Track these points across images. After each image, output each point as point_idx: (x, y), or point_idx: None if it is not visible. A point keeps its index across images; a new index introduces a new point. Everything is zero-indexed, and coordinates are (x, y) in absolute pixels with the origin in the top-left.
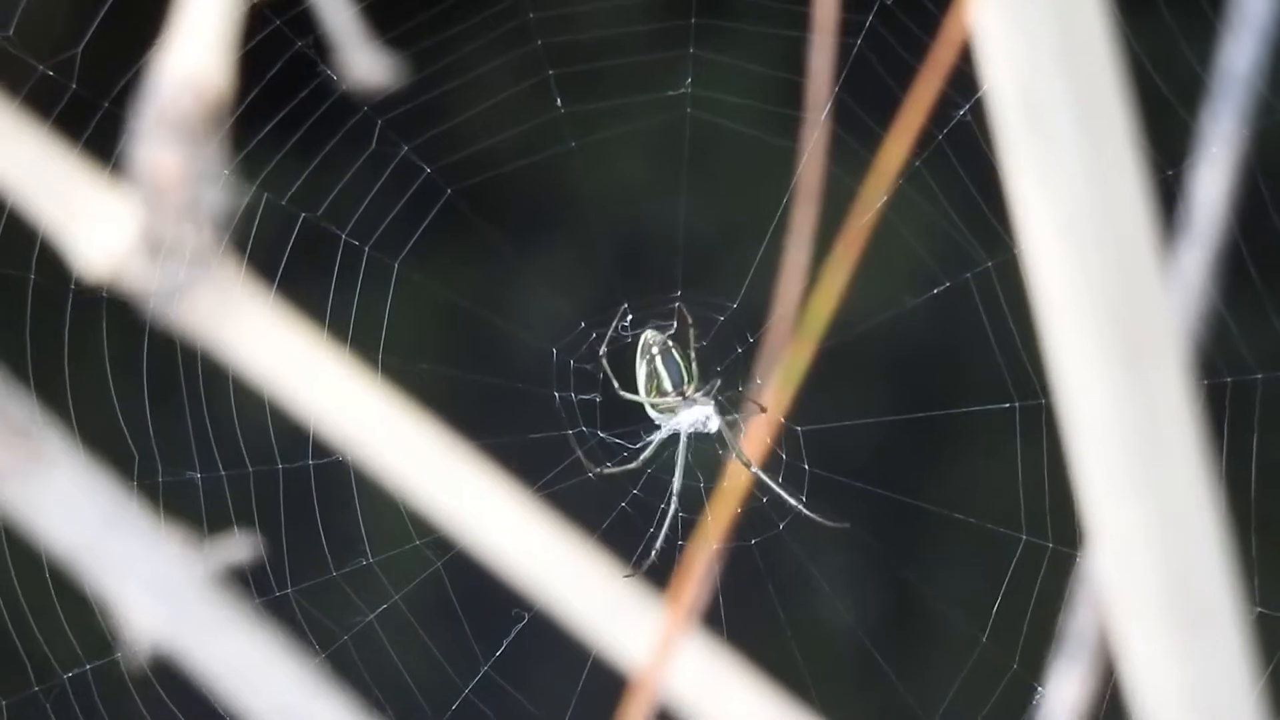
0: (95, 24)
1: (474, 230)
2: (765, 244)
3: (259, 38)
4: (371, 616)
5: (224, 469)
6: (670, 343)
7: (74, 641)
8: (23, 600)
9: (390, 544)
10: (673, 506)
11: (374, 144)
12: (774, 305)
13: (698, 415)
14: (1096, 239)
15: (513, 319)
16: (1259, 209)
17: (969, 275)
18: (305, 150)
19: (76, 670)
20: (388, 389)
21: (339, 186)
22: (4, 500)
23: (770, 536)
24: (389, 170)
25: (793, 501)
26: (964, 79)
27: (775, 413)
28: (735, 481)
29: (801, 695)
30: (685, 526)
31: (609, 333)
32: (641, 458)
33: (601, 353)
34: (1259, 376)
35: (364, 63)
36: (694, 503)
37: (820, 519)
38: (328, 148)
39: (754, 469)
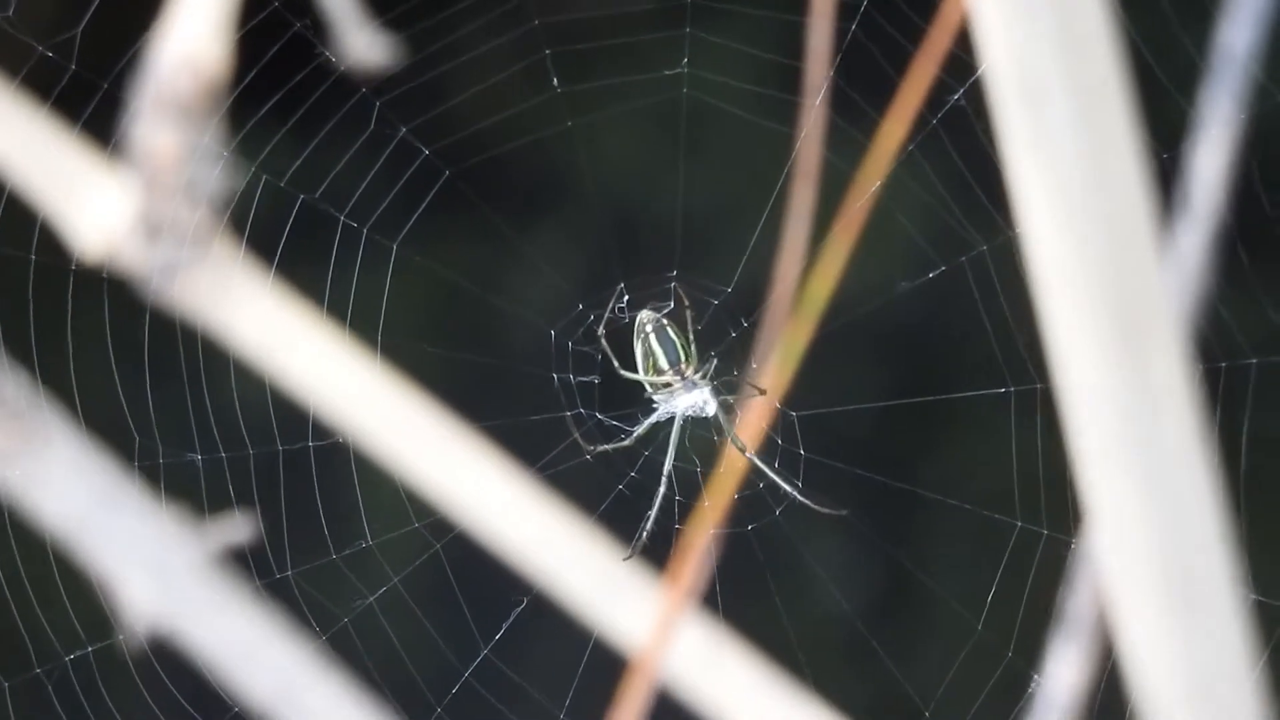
0: (94, 5)
1: (472, 211)
2: (761, 225)
3: (257, 19)
4: (372, 599)
5: (224, 450)
6: (665, 321)
7: (76, 623)
8: (25, 581)
9: (390, 526)
10: (662, 488)
11: (372, 125)
12: (771, 287)
13: (695, 399)
14: (1093, 221)
15: (511, 300)
16: (1256, 191)
17: (964, 259)
18: (303, 132)
19: (78, 652)
20: (386, 370)
21: (337, 168)
22: (2, 481)
23: (767, 521)
24: (387, 152)
25: (788, 488)
26: (960, 62)
27: (772, 397)
28: (732, 466)
29: (797, 680)
30: (682, 510)
31: (605, 313)
32: (634, 435)
33: (600, 333)
34: (1253, 361)
35: (361, 44)
36: (692, 487)
37: (816, 505)
38: (326, 129)
39: (749, 455)
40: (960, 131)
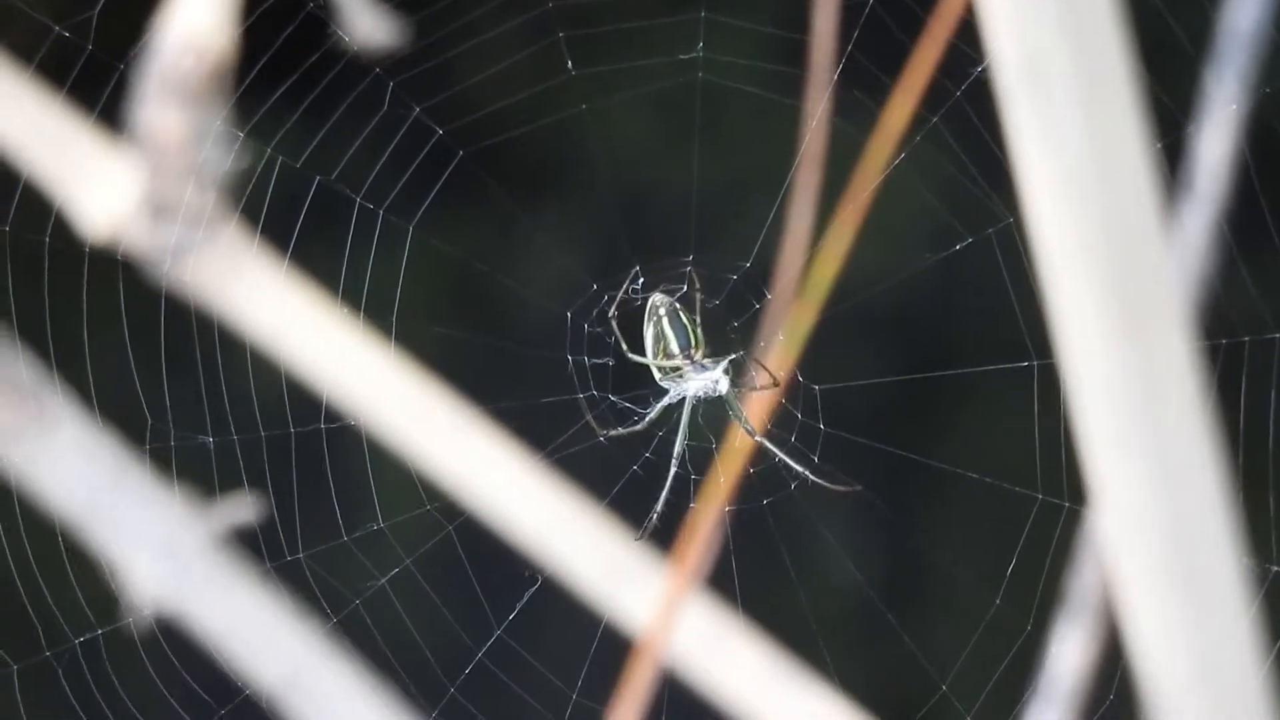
0: None
1: (486, 193)
2: (777, 206)
3: (269, 1)
4: (383, 580)
5: (235, 433)
6: (678, 306)
7: (85, 606)
8: (34, 564)
9: (401, 508)
10: (673, 469)
11: (386, 106)
12: (780, 268)
13: (706, 381)
14: (1098, 201)
15: (525, 282)
16: (1262, 172)
17: (991, 231)
18: (317, 113)
19: (88, 635)
20: (399, 352)
21: (352, 149)
22: (11, 462)
23: (782, 497)
24: (401, 132)
25: (799, 468)
26: (966, 48)
27: (791, 371)
28: (745, 443)
29: (813, 655)
30: (694, 488)
31: (619, 295)
32: (647, 419)
33: (611, 314)
34: (1278, 335)
35: (373, 24)
36: (704, 465)
37: (828, 483)
38: (340, 110)
39: (758, 438)
40: (974, 107)
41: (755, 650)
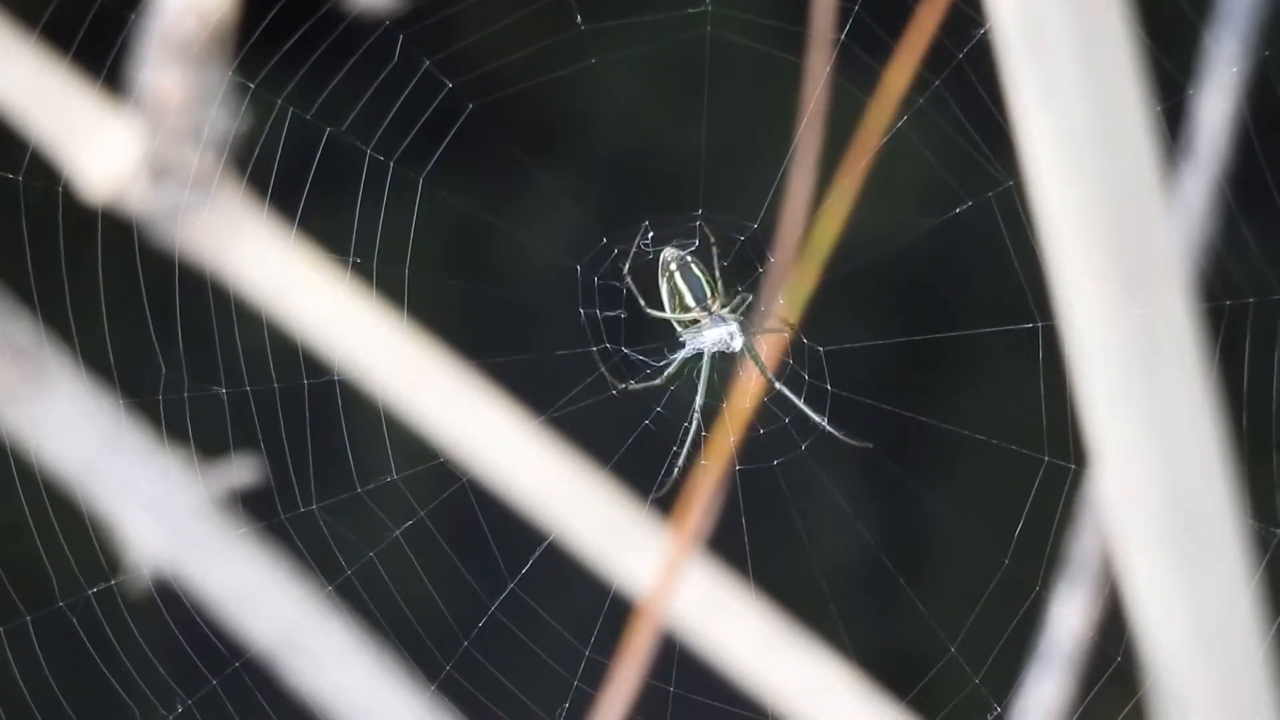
0: None
1: (494, 146)
2: (786, 163)
3: None
4: (398, 532)
5: (250, 384)
6: (690, 258)
7: (74, 567)
8: (30, 523)
9: (414, 461)
10: (694, 424)
11: (396, 59)
12: (781, 230)
13: (722, 333)
14: (1098, 164)
15: (534, 234)
16: (1263, 133)
17: (978, 200)
18: (327, 66)
19: (102, 585)
20: (409, 305)
21: (361, 102)
22: (7, 422)
23: (792, 457)
24: (411, 85)
25: (816, 418)
26: (969, 10)
27: (797, 332)
28: (753, 400)
29: (822, 614)
30: (701, 444)
31: (631, 249)
32: (665, 374)
33: (626, 271)
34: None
35: None
36: (710, 422)
37: (843, 436)
38: (350, 63)
39: (779, 385)
40: (970, 75)
41: (759, 612)
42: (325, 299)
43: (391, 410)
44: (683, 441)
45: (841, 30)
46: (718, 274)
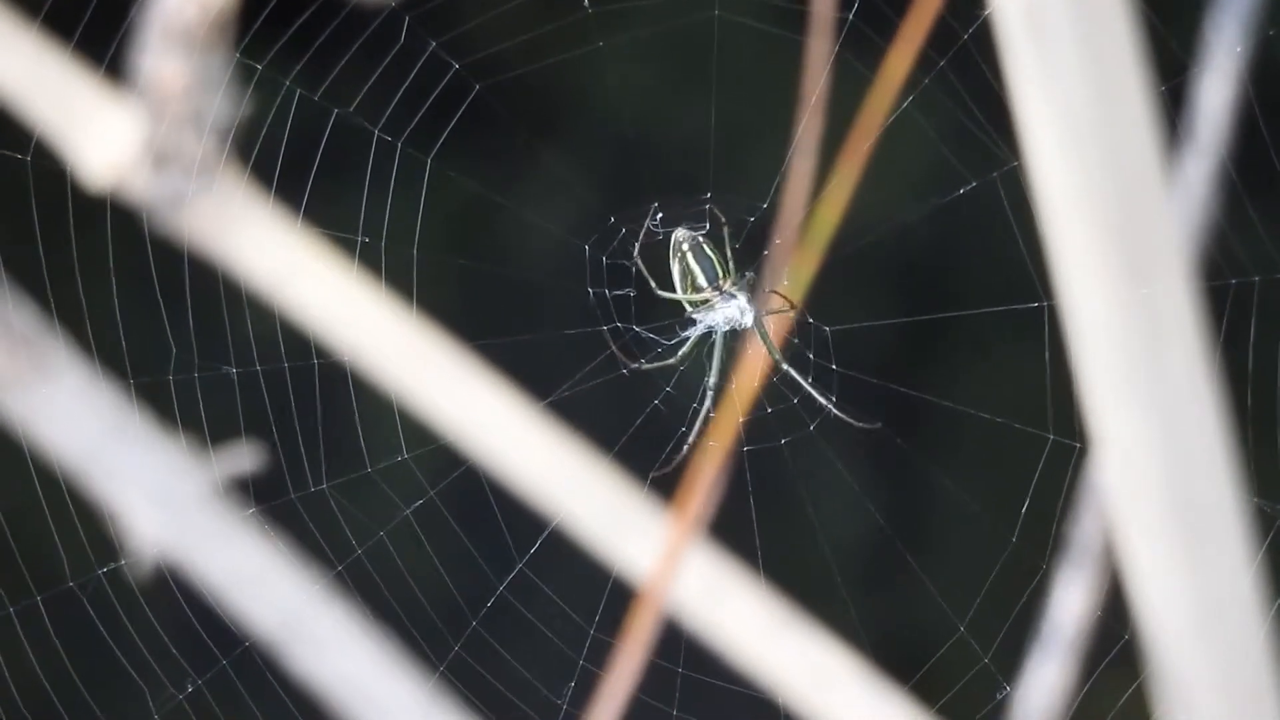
0: None
1: (503, 127)
2: (793, 145)
3: None
4: (408, 511)
5: (260, 364)
6: (702, 239)
7: (82, 550)
8: (66, 493)
9: (424, 440)
10: (708, 405)
11: (403, 40)
12: (785, 212)
13: (733, 310)
14: (1100, 146)
15: (542, 214)
16: (1267, 112)
17: (981, 181)
18: (334, 47)
19: (112, 565)
20: (419, 286)
21: (369, 83)
22: (10, 409)
23: (799, 437)
24: (418, 66)
25: (823, 400)
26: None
27: (804, 312)
28: (761, 379)
29: (830, 593)
30: (707, 424)
31: (641, 231)
32: (680, 354)
33: (635, 252)
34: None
35: None
36: (716, 402)
37: (851, 419)
38: (356, 45)
39: (785, 365)
40: (973, 57)
41: (766, 592)
42: (329, 283)
43: (398, 392)
44: (692, 422)
45: (848, 10)
46: (730, 254)
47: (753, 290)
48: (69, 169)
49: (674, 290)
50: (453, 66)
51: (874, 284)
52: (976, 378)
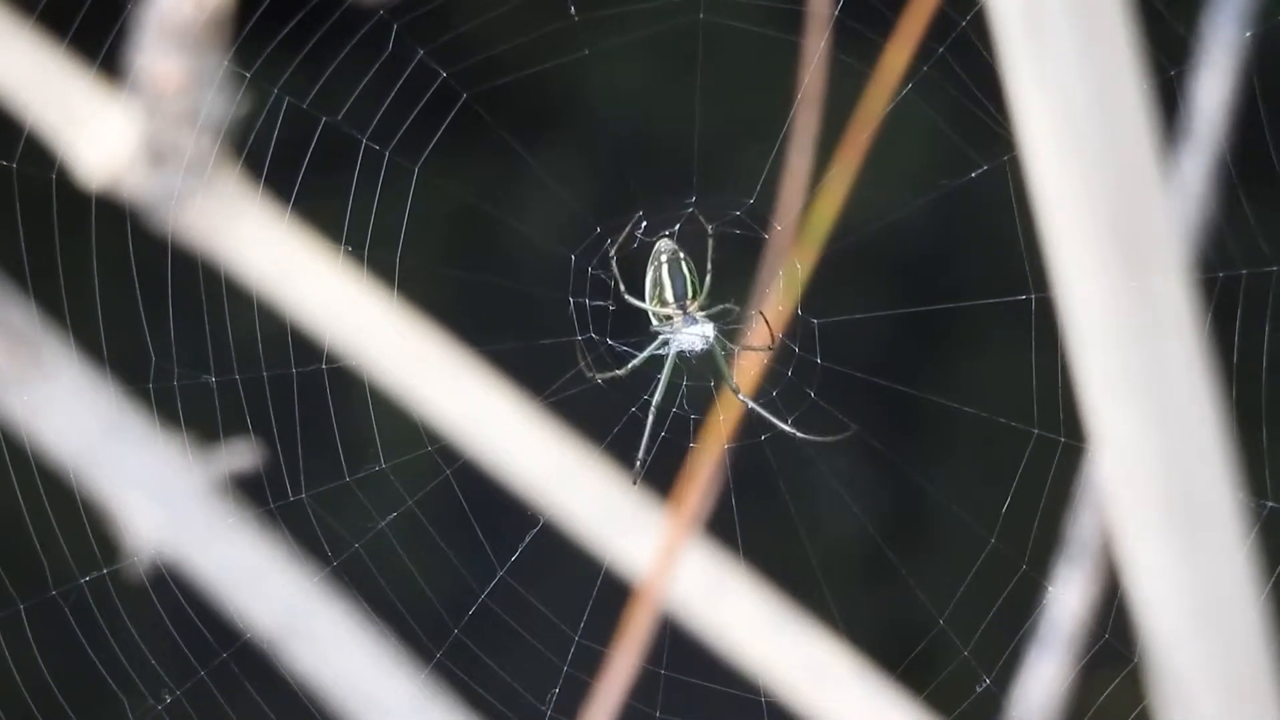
0: None
1: (489, 136)
2: (778, 146)
3: None
4: (383, 524)
5: (239, 372)
6: (682, 255)
7: (67, 553)
8: (45, 501)
9: (403, 449)
10: (650, 419)
11: (390, 48)
12: (780, 210)
13: (694, 336)
14: (1095, 142)
15: (529, 223)
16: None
17: (973, 176)
18: (321, 55)
19: (94, 574)
20: (402, 293)
21: (356, 91)
22: (6, 408)
23: (782, 433)
24: (405, 75)
25: (789, 429)
26: None
27: (785, 319)
28: (735, 396)
29: (812, 591)
30: (694, 427)
31: (620, 236)
32: (629, 366)
33: (611, 254)
34: (1275, 269)
35: None
36: (703, 404)
37: (819, 437)
38: (344, 53)
39: (742, 397)
40: (966, 51)
41: (750, 590)
42: (320, 283)
43: (383, 395)
44: (643, 435)
45: (844, 7)
46: (709, 267)
47: (727, 322)
48: (63, 166)
49: (642, 298)
50: (440, 74)
51: (866, 278)
52: (968, 371)
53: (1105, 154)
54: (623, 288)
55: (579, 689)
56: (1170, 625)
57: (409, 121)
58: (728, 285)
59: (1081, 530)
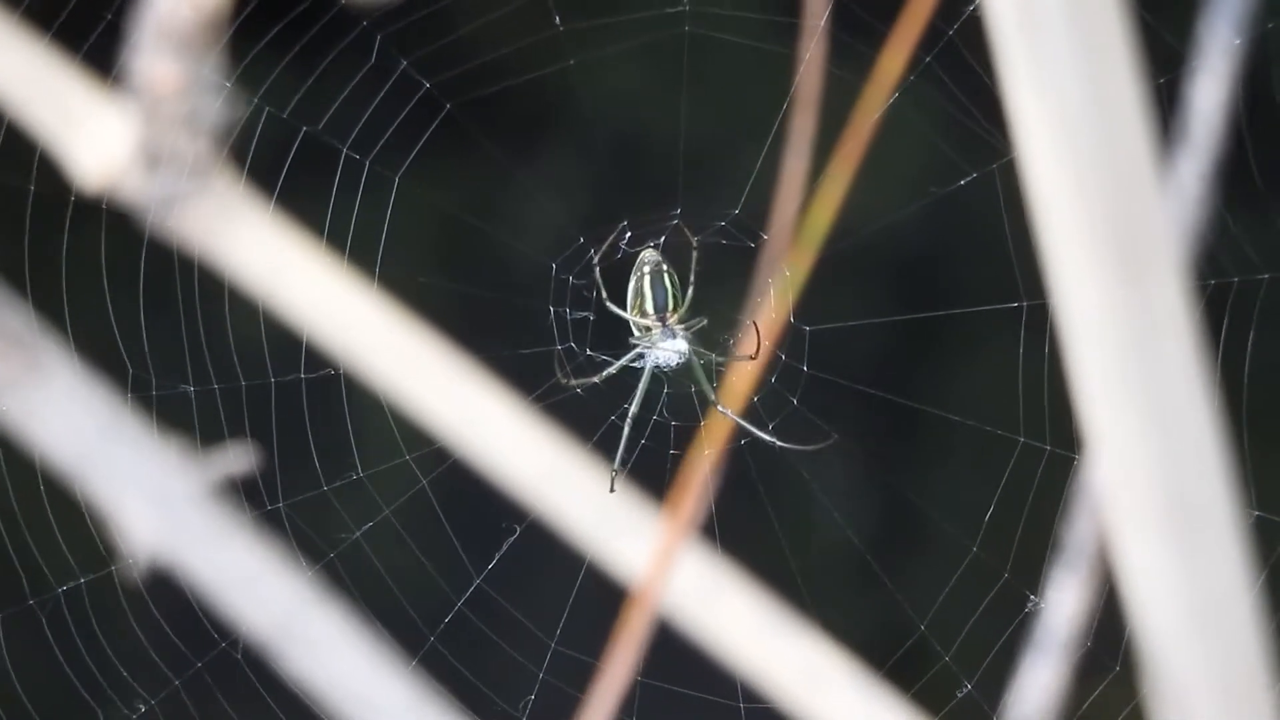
0: None
1: (473, 146)
2: (764, 155)
3: None
4: (358, 534)
5: (217, 382)
6: (666, 267)
7: (69, 555)
8: (18, 513)
9: (381, 459)
10: (626, 430)
11: (374, 58)
12: (773, 217)
13: (670, 350)
14: (1091, 145)
15: (511, 234)
16: (1252, 113)
17: (967, 181)
18: (304, 64)
19: (71, 584)
20: (384, 302)
21: (339, 100)
22: (4, 411)
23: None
24: (389, 84)
25: (769, 438)
26: None
27: (783, 311)
28: (729, 399)
29: (795, 599)
30: (681, 436)
31: (604, 246)
32: (603, 375)
33: (595, 262)
34: (1265, 277)
35: None
36: (685, 412)
37: (799, 446)
38: (327, 61)
39: (721, 408)
40: (961, 57)
41: (745, 598)
42: (319, 284)
43: (373, 402)
44: (630, 444)
45: (838, 12)
46: (692, 279)
47: (713, 343)
48: (59, 170)
49: (624, 307)
50: (423, 85)
51: (856, 285)
52: (958, 379)
53: (1103, 156)
54: (604, 295)
55: (555, 696)
56: (1166, 629)
57: (391, 131)
58: (714, 294)
59: (1077, 535)
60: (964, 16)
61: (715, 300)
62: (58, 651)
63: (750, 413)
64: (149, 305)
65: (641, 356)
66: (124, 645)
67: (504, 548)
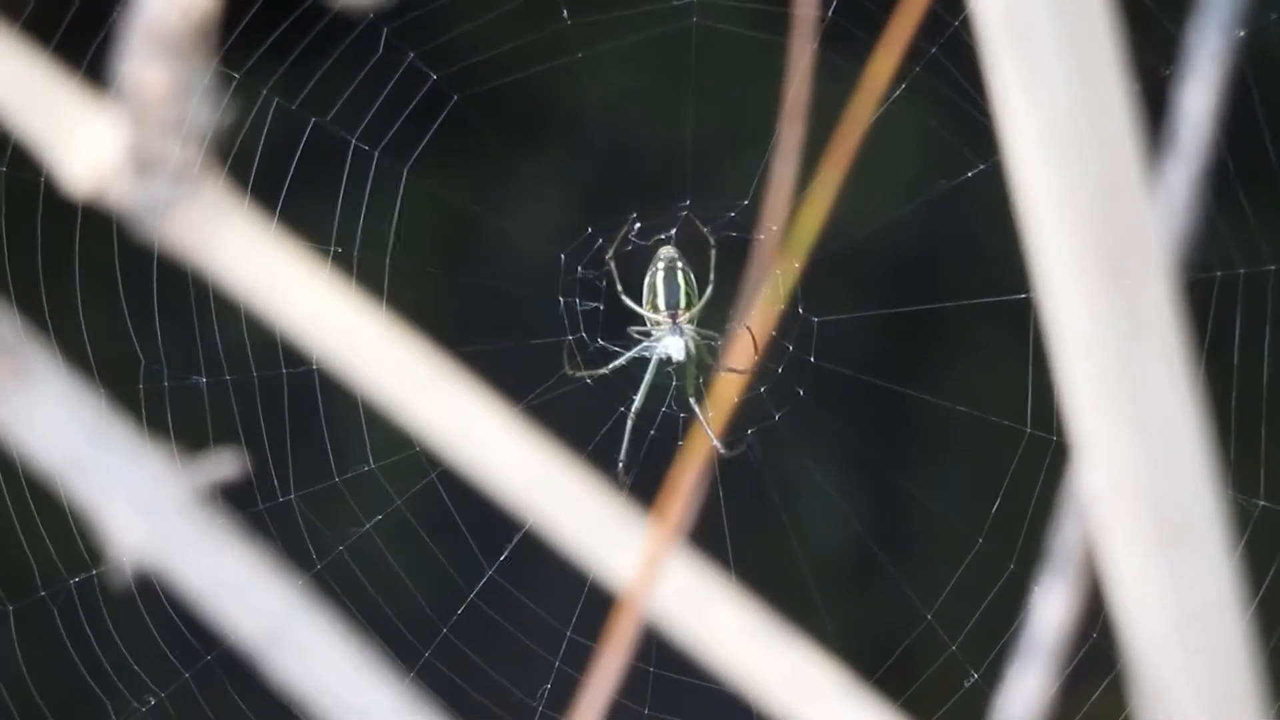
0: None
1: (480, 138)
2: (770, 150)
3: None
4: (369, 526)
5: (229, 374)
6: (681, 264)
7: (56, 558)
8: (13, 513)
9: (391, 450)
10: (630, 424)
11: (381, 50)
12: (764, 219)
13: (676, 346)
14: (1079, 149)
15: (519, 225)
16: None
17: (961, 180)
18: (312, 57)
19: (58, 585)
20: (391, 294)
21: (346, 93)
22: None
23: (766, 425)
24: (396, 77)
25: (715, 442)
26: None
27: (763, 339)
28: (726, 390)
29: (800, 591)
30: (683, 426)
31: (617, 238)
32: (611, 366)
33: (608, 256)
34: (1241, 271)
35: None
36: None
37: (728, 450)
38: (334, 55)
39: (693, 403)
40: (954, 56)
41: (741, 602)
42: (308, 291)
43: (371, 400)
44: (625, 439)
45: (834, 12)
46: (711, 278)
47: (711, 349)
48: (48, 174)
49: (639, 302)
50: (430, 77)
51: (859, 281)
52: (959, 373)
53: (1089, 159)
54: (620, 288)
55: (572, 684)
56: (1154, 634)
57: (399, 123)
58: (721, 291)
59: (1064, 538)
60: (957, 20)
61: (721, 302)
62: (90, 633)
63: (754, 405)
64: (140, 308)
65: (648, 350)
66: (141, 637)
67: (515, 538)
